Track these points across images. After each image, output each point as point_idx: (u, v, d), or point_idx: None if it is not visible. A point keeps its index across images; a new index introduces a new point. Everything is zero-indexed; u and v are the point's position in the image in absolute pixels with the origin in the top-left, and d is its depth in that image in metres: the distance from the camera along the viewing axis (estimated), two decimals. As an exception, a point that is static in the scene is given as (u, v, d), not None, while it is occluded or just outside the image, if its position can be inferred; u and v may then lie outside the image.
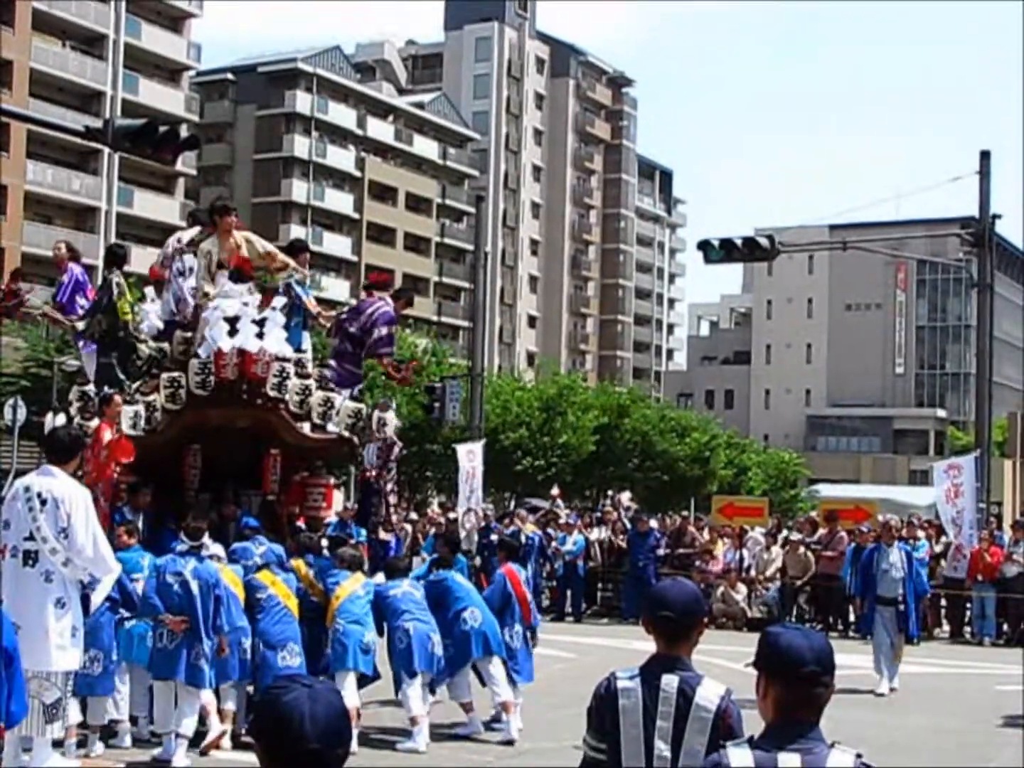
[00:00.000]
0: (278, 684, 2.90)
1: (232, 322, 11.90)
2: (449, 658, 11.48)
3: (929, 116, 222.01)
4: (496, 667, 11.74)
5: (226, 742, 10.50)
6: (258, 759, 2.85)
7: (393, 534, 13.94)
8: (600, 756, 4.41)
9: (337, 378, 12.76)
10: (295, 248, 14.25)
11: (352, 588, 11.21)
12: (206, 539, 10.90)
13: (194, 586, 10.25)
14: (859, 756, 3.45)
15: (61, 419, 12.07)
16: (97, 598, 9.59)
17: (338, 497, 22.74)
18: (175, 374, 12.06)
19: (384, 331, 13.01)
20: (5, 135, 51.72)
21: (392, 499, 13.63)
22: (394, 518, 14.09)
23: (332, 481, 13.96)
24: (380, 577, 11.80)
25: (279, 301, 12.63)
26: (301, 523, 13.09)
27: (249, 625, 10.84)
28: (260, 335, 11.93)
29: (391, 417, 13.10)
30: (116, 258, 13.07)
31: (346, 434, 12.45)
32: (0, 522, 9.02)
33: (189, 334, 12.44)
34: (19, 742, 8.93)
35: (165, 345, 12.84)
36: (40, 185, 56.38)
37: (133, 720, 10.81)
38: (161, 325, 13.20)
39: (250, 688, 11.15)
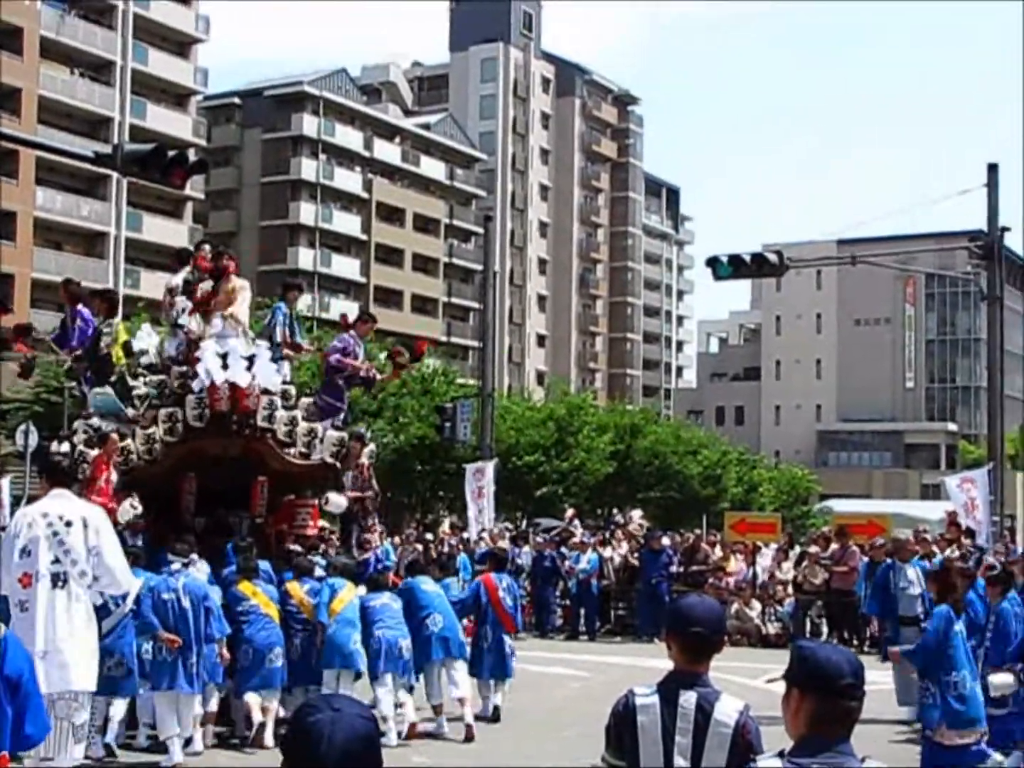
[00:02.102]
0: (310, 703, 3.00)
1: (224, 358, 12.90)
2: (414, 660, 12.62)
3: (936, 129, 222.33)
4: (459, 669, 12.95)
5: (198, 742, 11.38)
6: None
7: (373, 553, 15.76)
8: (619, 774, 4.40)
9: (319, 411, 14.00)
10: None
11: (349, 597, 12.47)
12: (193, 556, 11.87)
13: (186, 601, 11.19)
14: (889, 770, 3.44)
15: (65, 447, 12.71)
16: (122, 609, 10.08)
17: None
18: (172, 409, 12.98)
19: (332, 359, 14.47)
20: (14, 162, 51.97)
21: (369, 521, 15.11)
22: (372, 539, 15.56)
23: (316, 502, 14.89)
24: (362, 590, 12.89)
25: (263, 342, 13.92)
26: (293, 546, 13.90)
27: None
28: (249, 369, 12.95)
29: (369, 448, 14.58)
30: (112, 305, 14.12)
31: (330, 460, 13.64)
32: (15, 553, 8.83)
33: (185, 368, 13.31)
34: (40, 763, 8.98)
35: (164, 377, 13.69)
36: (49, 211, 56.57)
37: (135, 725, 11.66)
38: (173, 352, 13.82)
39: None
